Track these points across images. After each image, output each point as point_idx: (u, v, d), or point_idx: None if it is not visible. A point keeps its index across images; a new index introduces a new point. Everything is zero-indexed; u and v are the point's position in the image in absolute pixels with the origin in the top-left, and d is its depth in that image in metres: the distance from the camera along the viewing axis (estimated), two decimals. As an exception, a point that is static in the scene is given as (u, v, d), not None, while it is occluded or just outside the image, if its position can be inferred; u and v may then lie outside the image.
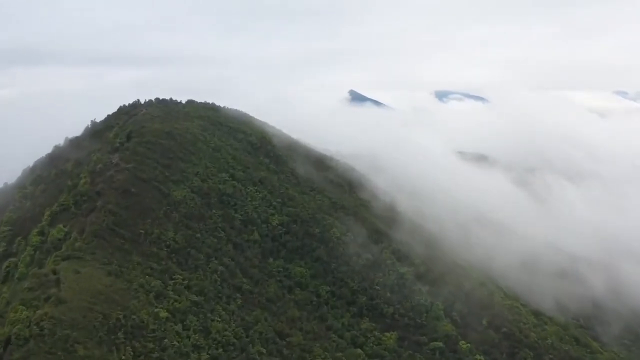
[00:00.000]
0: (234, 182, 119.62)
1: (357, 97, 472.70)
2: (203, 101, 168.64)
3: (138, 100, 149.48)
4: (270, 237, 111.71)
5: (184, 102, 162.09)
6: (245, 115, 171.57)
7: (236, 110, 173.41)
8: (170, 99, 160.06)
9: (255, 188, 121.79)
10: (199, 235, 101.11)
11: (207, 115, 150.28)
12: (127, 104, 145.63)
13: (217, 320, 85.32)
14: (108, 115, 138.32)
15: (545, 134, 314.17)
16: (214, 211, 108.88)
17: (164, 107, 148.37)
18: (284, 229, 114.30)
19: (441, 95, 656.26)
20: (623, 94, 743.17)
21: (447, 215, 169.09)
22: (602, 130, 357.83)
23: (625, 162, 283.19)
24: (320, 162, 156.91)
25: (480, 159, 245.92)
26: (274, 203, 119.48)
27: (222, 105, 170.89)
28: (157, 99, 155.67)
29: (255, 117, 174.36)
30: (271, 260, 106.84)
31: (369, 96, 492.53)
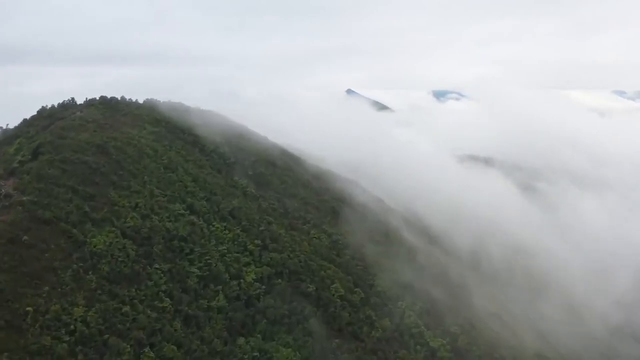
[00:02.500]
0: (192, 216, 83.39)
1: (354, 96, 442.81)
2: (168, 100, 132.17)
3: (72, 99, 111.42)
4: (244, 301, 75.94)
5: (141, 101, 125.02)
6: (223, 118, 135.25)
7: (210, 111, 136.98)
8: (122, 97, 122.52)
9: (224, 224, 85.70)
10: (127, 308, 64.85)
11: (166, 119, 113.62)
12: (55, 105, 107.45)
13: None
14: (24, 120, 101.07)
15: (546, 134, 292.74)
16: (156, 266, 72.57)
17: (107, 109, 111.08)
18: (264, 287, 78.56)
19: (439, 95, 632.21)
20: (621, 93, 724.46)
21: (467, 242, 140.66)
22: (603, 130, 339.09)
23: (632, 165, 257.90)
24: (317, 180, 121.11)
25: (482, 161, 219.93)
26: (250, 247, 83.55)
27: (195, 106, 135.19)
28: (102, 97, 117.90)
29: (244, 119, 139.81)
30: (242, 340, 70.91)
31: (366, 95, 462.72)
